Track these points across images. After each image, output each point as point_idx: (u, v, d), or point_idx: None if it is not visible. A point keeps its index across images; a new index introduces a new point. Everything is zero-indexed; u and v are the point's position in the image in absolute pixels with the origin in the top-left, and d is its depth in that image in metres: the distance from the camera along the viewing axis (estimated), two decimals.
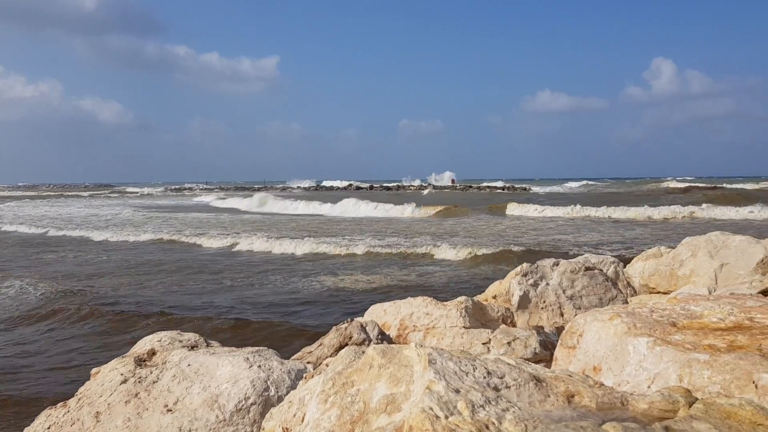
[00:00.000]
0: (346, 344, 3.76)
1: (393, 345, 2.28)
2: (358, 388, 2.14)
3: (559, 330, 4.59)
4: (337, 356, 2.49)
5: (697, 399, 1.80)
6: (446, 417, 1.68)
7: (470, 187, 74.89)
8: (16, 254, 18.62)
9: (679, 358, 2.42)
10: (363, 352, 2.37)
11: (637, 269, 6.57)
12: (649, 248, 7.10)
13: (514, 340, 4.12)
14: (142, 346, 4.03)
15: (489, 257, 15.33)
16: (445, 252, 16.00)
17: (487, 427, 1.65)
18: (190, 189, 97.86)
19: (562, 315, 5.22)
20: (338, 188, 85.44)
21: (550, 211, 31.72)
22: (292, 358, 3.83)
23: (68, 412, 3.43)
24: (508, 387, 1.92)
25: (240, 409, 3.11)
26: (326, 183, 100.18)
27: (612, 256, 6.19)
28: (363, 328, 3.89)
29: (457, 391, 1.81)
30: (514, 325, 5.32)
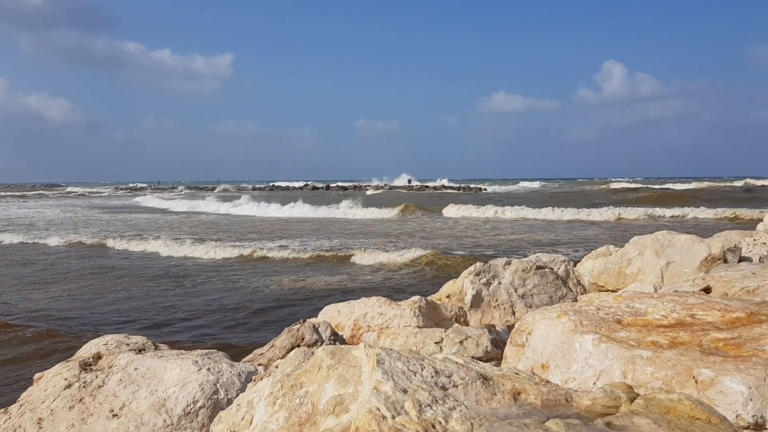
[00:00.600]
0: (299, 345, 3.73)
1: (342, 346, 2.27)
2: (307, 389, 2.12)
3: (511, 328, 4.64)
4: (286, 358, 2.47)
5: (638, 395, 1.84)
6: (393, 417, 1.67)
7: (426, 187, 75.31)
8: None
9: (624, 355, 2.48)
10: (313, 354, 2.35)
11: (587, 268, 6.70)
12: (597, 247, 7.25)
13: (466, 339, 4.15)
14: (88, 350, 3.92)
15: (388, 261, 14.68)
16: (361, 256, 15.27)
17: (434, 427, 1.66)
18: (141, 189, 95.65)
19: (513, 313, 5.29)
20: (294, 188, 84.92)
21: (488, 212, 31.61)
22: (243, 360, 3.78)
23: (9, 418, 3.31)
24: (455, 386, 1.93)
25: (188, 413, 3.05)
26: (282, 183, 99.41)
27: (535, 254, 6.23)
28: (315, 329, 3.87)
29: (405, 391, 1.81)
30: (467, 323, 5.37)
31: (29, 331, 8.10)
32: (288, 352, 3.67)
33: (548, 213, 29.74)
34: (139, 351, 3.83)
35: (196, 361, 3.31)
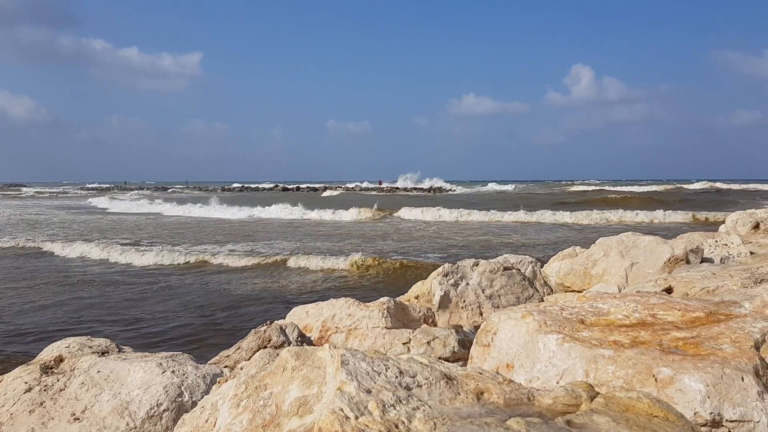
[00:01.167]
0: (265, 347, 3.71)
1: (307, 347, 2.26)
2: (271, 391, 2.11)
3: (478, 328, 4.69)
4: (251, 359, 2.45)
5: (598, 393, 1.87)
6: (356, 417, 1.67)
7: (396, 189, 75.46)
8: None
9: (586, 354, 2.51)
10: (278, 355, 2.34)
11: (554, 269, 6.78)
12: (564, 249, 7.34)
13: (433, 340, 4.17)
14: (49, 352, 3.85)
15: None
16: (298, 260, 14.68)
17: (397, 426, 1.66)
18: (107, 189, 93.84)
19: (481, 314, 5.33)
20: (264, 189, 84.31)
21: (444, 214, 31.28)
22: (209, 362, 3.74)
23: None
24: (419, 386, 1.93)
25: (152, 416, 3.01)
26: (252, 184, 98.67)
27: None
28: (282, 330, 3.85)
29: (369, 392, 1.81)
30: (435, 324, 5.40)
31: None
32: (254, 353, 3.64)
33: (497, 215, 29.87)
34: (103, 353, 3.77)
35: (161, 364, 3.27)
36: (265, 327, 3.84)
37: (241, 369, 2.58)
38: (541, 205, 36.01)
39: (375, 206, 34.28)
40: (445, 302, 5.45)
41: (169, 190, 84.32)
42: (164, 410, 3.04)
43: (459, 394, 1.92)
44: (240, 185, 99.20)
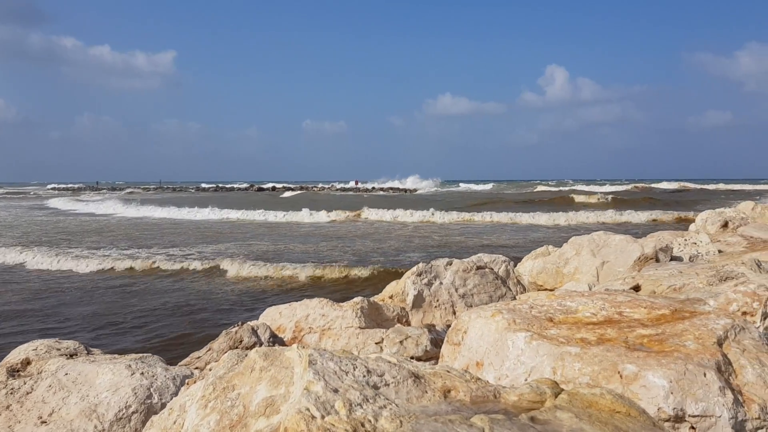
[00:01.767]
0: (237, 348, 3.69)
1: (276, 347, 2.26)
2: (239, 391, 2.10)
3: None
4: (219, 360, 2.44)
5: (563, 390, 1.90)
6: (323, 417, 1.68)
7: (369, 189, 75.55)
8: None
9: (553, 352, 2.54)
10: (246, 356, 2.33)
11: (527, 267, 6.84)
12: (534, 250, 7.41)
13: (406, 339, 4.18)
14: (16, 355, 3.79)
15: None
16: (227, 264, 13.72)
17: (363, 425, 1.67)
18: (79, 190, 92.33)
19: (454, 313, 5.36)
20: (239, 189, 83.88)
21: (400, 215, 30.74)
22: (180, 363, 3.72)
23: None
24: (387, 384, 1.94)
25: (120, 418, 2.98)
26: (227, 184, 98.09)
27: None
28: (254, 331, 3.83)
29: (336, 391, 1.82)
30: (408, 324, 5.41)
31: None
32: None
33: (455, 216, 29.70)
34: (71, 356, 3.72)
35: (130, 366, 3.24)
36: (236, 328, 3.83)
37: (211, 370, 2.57)
38: (502, 205, 36.13)
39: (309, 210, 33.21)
40: (418, 302, 5.47)
41: (127, 191, 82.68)
42: (133, 412, 3.01)
43: (426, 392, 1.94)
44: (214, 185, 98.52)
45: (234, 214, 33.06)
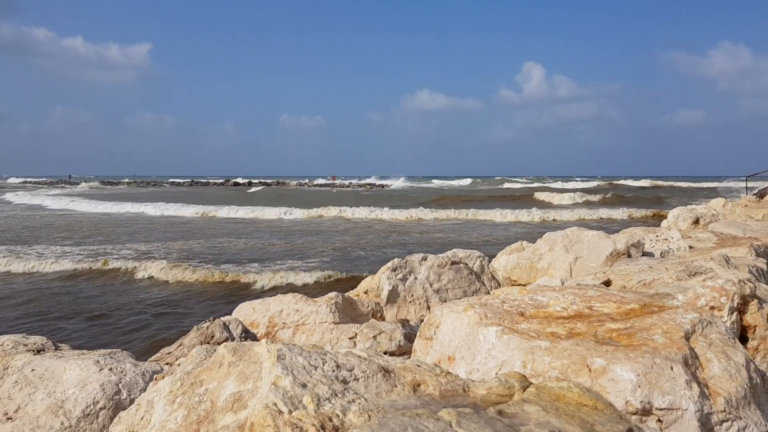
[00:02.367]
0: (208, 343, 3.65)
1: (245, 342, 2.24)
2: (207, 387, 2.08)
3: None
4: (188, 355, 2.41)
5: (531, 383, 1.91)
6: (290, 412, 1.66)
7: (345, 185, 75.73)
8: None
9: (524, 346, 2.55)
10: (215, 351, 2.31)
11: (502, 263, 6.88)
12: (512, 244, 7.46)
13: (379, 334, 4.18)
14: None
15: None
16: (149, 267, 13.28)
17: (331, 420, 1.66)
18: (52, 183, 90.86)
19: (428, 308, 5.37)
20: (215, 184, 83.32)
21: (364, 213, 30.61)
22: (150, 359, 3.67)
23: None
24: (356, 379, 1.93)
25: (88, 415, 2.93)
26: (202, 179, 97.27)
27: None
28: (226, 326, 3.80)
29: (304, 386, 1.80)
30: (383, 319, 5.41)
31: None
32: None
33: (408, 213, 29.86)
34: (38, 352, 3.66)
35: (98, 361, 3.19)
36: (207, 323, 3.79)
37: (179, 365, 2.54)
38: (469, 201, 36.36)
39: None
40: (393, 297, 5.47)
41: (80, 186, 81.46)
42: (101, 408, 2.97)
43: (396, 386, 1.93)
44: (189, 180, 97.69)
45: (167, 210, 32.90)
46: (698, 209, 10.46)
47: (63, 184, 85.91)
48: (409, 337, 4.26)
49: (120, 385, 3.07)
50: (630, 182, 73.97)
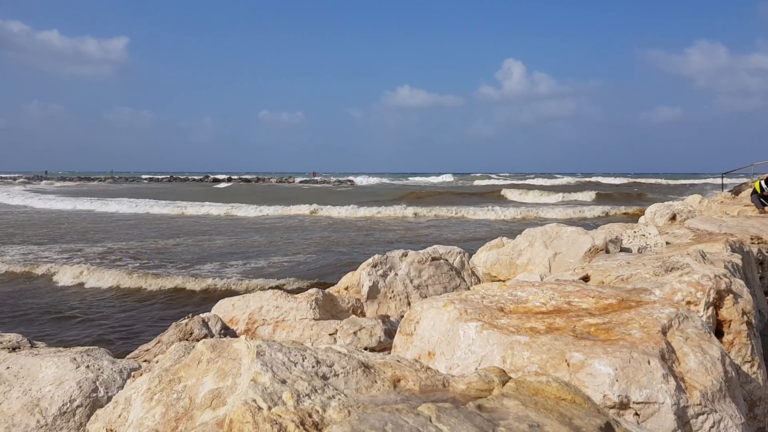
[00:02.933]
0: (187, 340, 3.62)
1: (224, 339, 2.22)
2: (186, 384, 2.06)
3: None
4: (166, 352, 2.39)
5: (510, 378, 1.91)
6: (269, 408, 1.66)
7: (326, 181, 75.83)
8: None
9: (503, 341, 2.56)
10: (194, 347, 2.29)
11: (482, 259, 6.91)
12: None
13: (360, 330, 4.18)
14: None
15: None
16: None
17: (311, 416, 1.65)
18: (28, 180, 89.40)
19: (409, 304, 5.37)
20: (194, 180, 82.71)
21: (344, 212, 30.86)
22: (128, 356, 3.63)
23: None
24: (336, 375, 1.93)
25: (64, 413, 2.90)
26: (182, 175, 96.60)
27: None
28: (205, 323, 3.77)
29: (284, 382, 1.79)
30: (363, 315, 5.41)
31: None
32: None
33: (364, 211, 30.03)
34: (14, 349, 3.61)
35: (75, 359, 3.15)
36: (186, 320, 3.76)
37: (157, 362, 2.51)
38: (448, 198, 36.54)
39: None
40: (373, 293, 5.47)
41: (43, 183, 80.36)
42: (78, 406, 2.93)
43: (376, 382, 1.93)
44: (168, 176, 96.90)
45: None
46: (675, 206, 10.59)
47: (36, 180, 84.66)
48: (390, 332, 4.26)
49: (97, 383, 3.04)
50: (610, 179, 74.79)
